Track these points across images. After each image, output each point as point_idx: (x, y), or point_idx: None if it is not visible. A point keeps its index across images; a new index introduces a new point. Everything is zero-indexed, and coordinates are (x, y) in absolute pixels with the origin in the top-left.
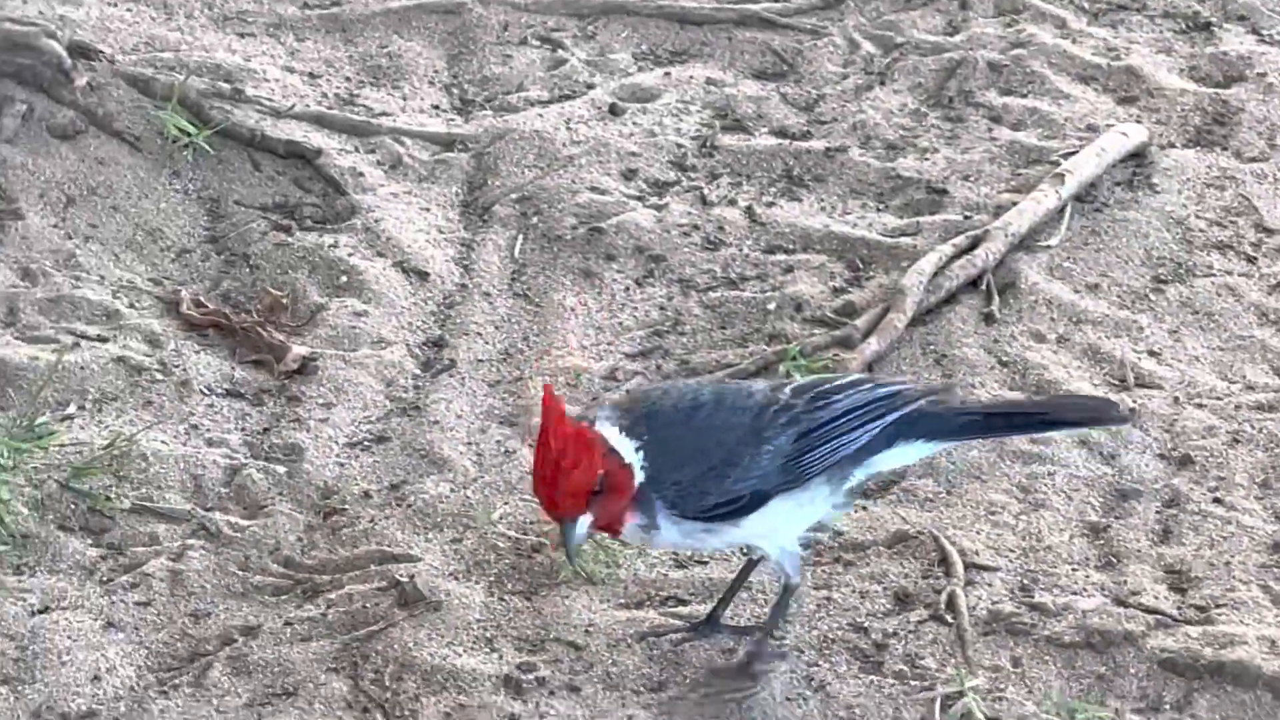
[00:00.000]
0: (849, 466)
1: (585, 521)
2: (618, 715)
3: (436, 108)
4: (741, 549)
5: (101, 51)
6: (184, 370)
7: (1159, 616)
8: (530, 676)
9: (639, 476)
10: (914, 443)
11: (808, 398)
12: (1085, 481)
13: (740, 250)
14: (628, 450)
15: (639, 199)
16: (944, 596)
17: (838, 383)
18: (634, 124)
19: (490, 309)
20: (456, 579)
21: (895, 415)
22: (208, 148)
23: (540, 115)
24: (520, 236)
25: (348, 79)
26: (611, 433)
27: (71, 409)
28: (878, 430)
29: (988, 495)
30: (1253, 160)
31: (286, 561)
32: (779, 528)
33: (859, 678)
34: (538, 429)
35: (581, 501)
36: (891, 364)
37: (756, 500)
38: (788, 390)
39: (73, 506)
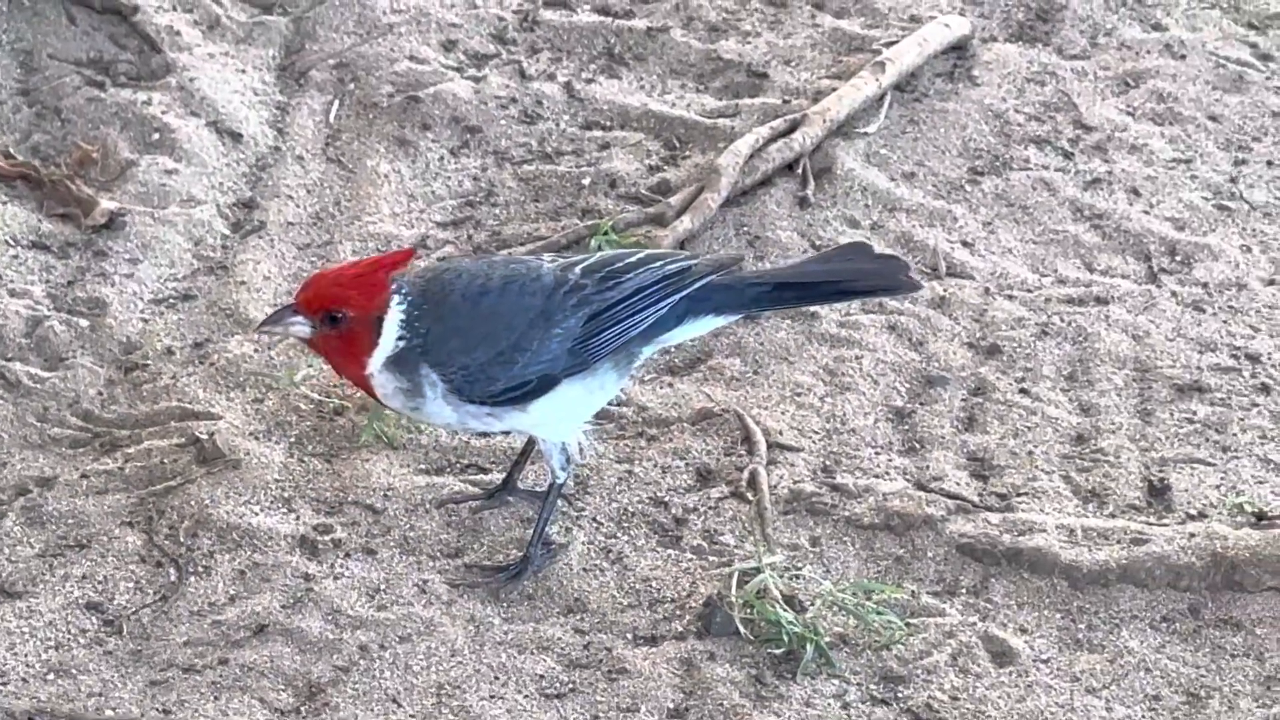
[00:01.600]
0: (638, 345)
1: (301, 325)
2: (413, 579)
3: None
4: None
5: None
6: None
7: (959, 502)
8: (326, 538)
9: (389, 346)
10: (704, 317)
11: (597, 278)
12: (892, 366)
13: (557, 125)
14: (392, 324)
15: (458, 70)
16: (746, 474)
17: (627, 261)
18: None
19: (303, 173)
20: (256, 439)
21: (685, 292)
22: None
23: None
24: (336, 102)
25: None
26: (394, 301)
27: None
28: (666, 309)
29: (794, 376)
30: (1074, 58)
31: (85, 415)
32: (567, 412)
33: (657, 551)
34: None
35: (314, 308)
36: (704, 243)
37: (545, 384)
38: (577, 270)
39: None
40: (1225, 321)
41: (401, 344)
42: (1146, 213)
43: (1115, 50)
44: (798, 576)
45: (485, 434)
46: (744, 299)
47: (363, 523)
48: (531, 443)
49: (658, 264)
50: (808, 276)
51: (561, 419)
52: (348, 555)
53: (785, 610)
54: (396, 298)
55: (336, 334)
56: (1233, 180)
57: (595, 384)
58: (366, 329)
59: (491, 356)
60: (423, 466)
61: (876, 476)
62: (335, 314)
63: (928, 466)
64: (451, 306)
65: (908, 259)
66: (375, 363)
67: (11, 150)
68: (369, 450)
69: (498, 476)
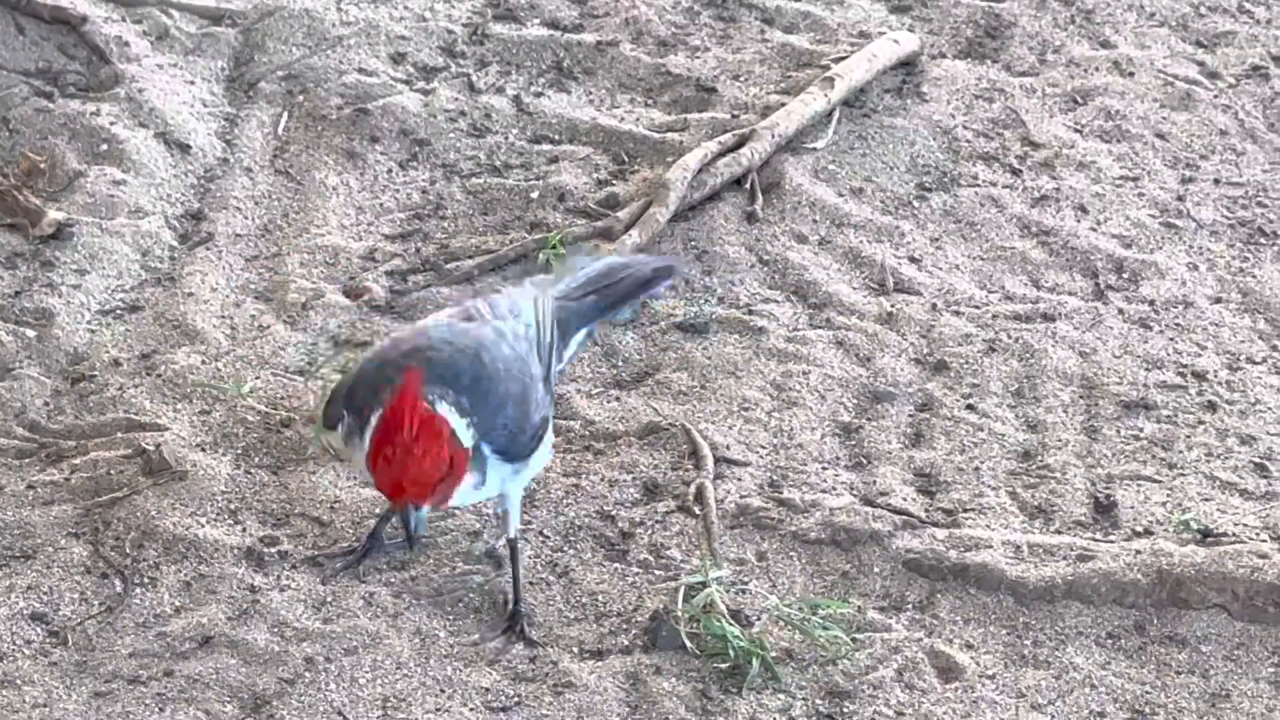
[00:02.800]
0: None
1: (427, 507)
2: (359, 592)
3: None
4: None
5: None
6: None
7: (906, 517)
8: (273, 550)
9: (470, 443)
10: (576, 335)
11: (535, 318)
12: (839, 382)
13: (506, 138)
14: (464, 431)
15: (406, 83)
16: (693, 489)
17: (544, 293)
18: (405, 7)
19: (251, 184)
20: (204, 450)
21: (589, 327)
22: None
23: None
24: (285, 114)
25: None
26: (451, 414)
27: None
28: (584, 334)
29: (741, 391)
30: (1023, 74)
31: (31, 425)
32: (540, 460)
33: (604, 565)
34: (388, 408)
35: (428, 489)
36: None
37: (543, 428)
38: (504, 310)
39: None
40: (1172, 339)
41: (472, 434)
42: (1094, 230)
43: (1064, 67)
44: (744, 591)
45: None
46: (586, 309)
47: (309, 535)
48: None
49: (544, 300)
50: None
51: (537, 466)
52: (294, 567)
53: (731, 625)
54: (443, 406)
55: (447, 483)
56: (1180, 198)
57: (550, 423)
58: (461, 466)
59: (519, 411)
60: (369, 480)
61: (823, 491)
62: (441, 475)
63: (874, 482)
64: (473, 376)
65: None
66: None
67: None
68: (316, 462)
69: None
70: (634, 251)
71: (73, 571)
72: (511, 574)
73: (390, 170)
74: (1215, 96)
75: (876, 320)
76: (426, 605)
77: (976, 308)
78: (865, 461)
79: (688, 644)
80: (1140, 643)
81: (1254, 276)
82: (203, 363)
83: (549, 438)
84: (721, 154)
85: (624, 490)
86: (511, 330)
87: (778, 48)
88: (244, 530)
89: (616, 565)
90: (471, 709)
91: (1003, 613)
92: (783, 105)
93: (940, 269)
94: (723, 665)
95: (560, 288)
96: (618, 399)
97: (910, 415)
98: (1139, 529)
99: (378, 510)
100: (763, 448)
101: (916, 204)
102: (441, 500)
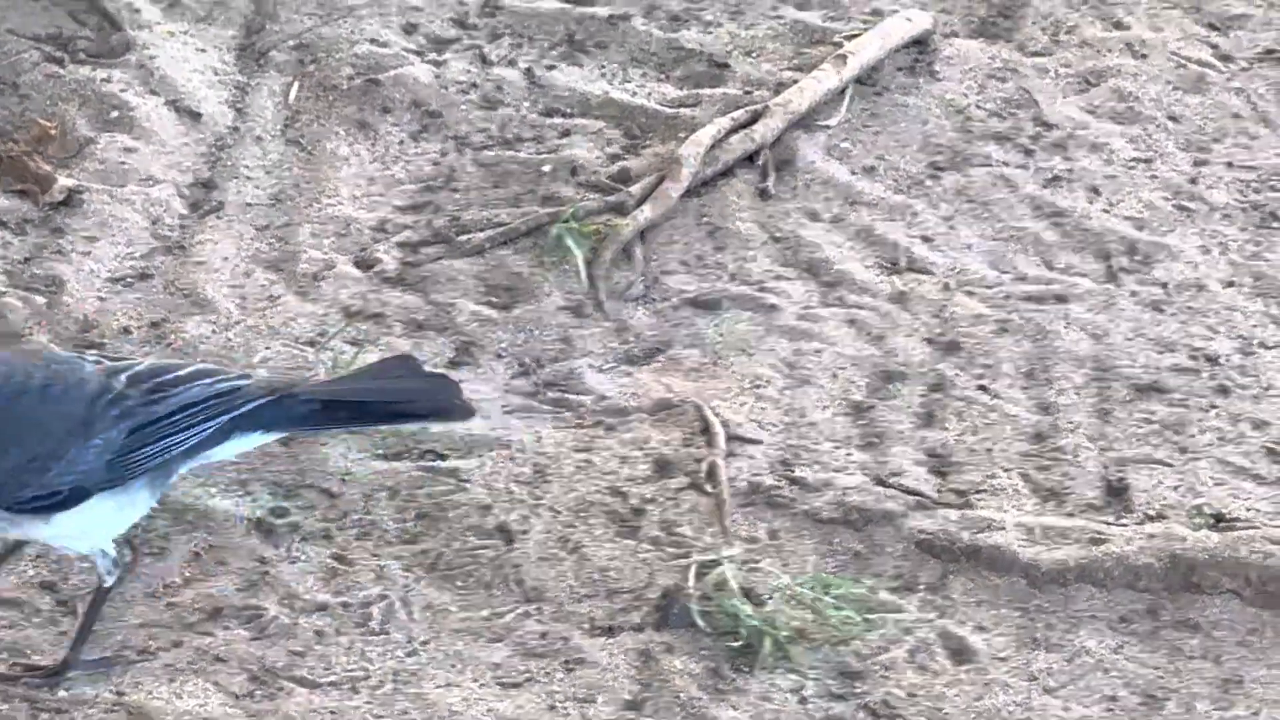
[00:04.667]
0: (178, 463)
1: None
2: (369, 564)
3: None
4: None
5: None
6: None
7: (918, 498)
8: (282, 521)
9: None
10: (251, 434)
11: (144, 389)
12: (851, 361)
13: (518, 111)
14: None
15: (418, 54)
16: (704, 466)
17: (176, 374)
18: None
19: (262, 154)
20: None
21: (233, 414)
22: None
23: None
24: (296, 83)
25: None
26: None
27: None
28: (213, 429)
29: (753, 369)
30: (1035, 54)
31: None
32: (93, 529)
33: (615, 541)
34: None
35: None
36: (664, 233)
37: (76, 496)
38: (123, 378)
39: None
40: (1184, 322)
41: None
42: (1106, 211)
43: (1077, 48)
44: (756, 570)
45: None
46: (293, 416)
47: (319, 506)
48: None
49: (208, 380)
50: (359, 395)
51: (84, 534)
52: (304, 539)
53: (743, 603)
54: None
55: None
56: (1193, 181)
57: (127, 500)
58: None
59: (23, 462)
60: (380, 451)
61: (835, 471)
62: None
63: (887, 462)
64: None
65: (457, 383)
66: None
67: None
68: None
69: (457, 463)
70: (644, 226)
71: None
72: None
73: (401, 141)
74: (1228, 80)
75: (889, 299)
76: (437, 579)
77: (988, 288)
78: (877, 441)
79: (699, 622)
80: (1153, 627)
81: (1267, 260)
82: (213, 332)
83: (101, 508)
84: (734, 130)
85: (635, 466)
86: (76, 381)
87: (790, 24)
88: (254, 501)
89: (628, 542)
90: (482, 684)
91: (1015, 595)
92: (795, 82)
93: (953, 248)
94: (735, 644)
95: (311, 387)
96: (629, 374)
97: (922, 395)
98: (1151, 513)
99: (383, 488)
100: (774, 425)
101: (929, 183)
102: None
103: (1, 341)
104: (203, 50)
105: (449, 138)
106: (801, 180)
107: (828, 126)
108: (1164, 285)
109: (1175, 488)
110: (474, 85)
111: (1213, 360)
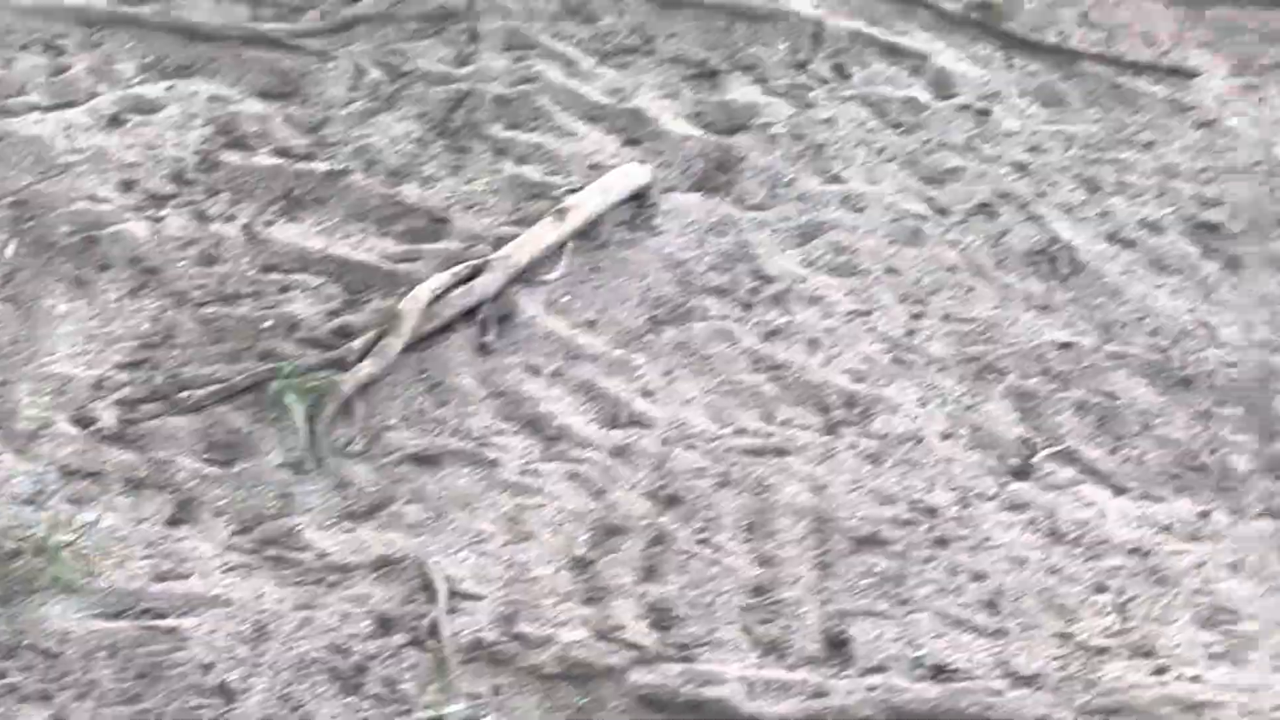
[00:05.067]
0: None
1: None
2: None
3: None
4: None
5: None
6: None
7: (640, 652)
8: (1, 683)
9: None
10: None
11: None
12: (573, 515)
13: (237, 267)
14: None
15: (136, 210)
16: (426, 622)
17: None
18: (135, 135)
19: None
20: None
21: None
22: None
23: (40, 121)
24: (12, 241)
25: None
26: None
27: None
28: None
29: (475, 524)
30: (754, 208)
31: None
32: None
33: (337, 699)
34: None
35: None
36: (385, 388)
37: None
38: None
39: None
40: (903, 474)
41: None
42: (825, 364)
43: (794, 201)
44: None
45: None
46: None
47: (38, 667)
48: None
49: None
50: None
51: None
52: (24, 700)
53: None
54: None
55: None
56: (910, 333)
57: None
58: None
59: None
60: (100, 611)
61: (558, 625)
62: None
63: (609, 616)
64: None
65: None
66: None
67: None
68: (46, 594)
69: (177, 621)
70: (365, 382)
71: None
72: None
73: (120, 298)
74: (944, 232)
75: (610, 453)
76: None
77: (709, 441)
78: (599, 595)
79: None
80: None
81: (983, 412)
82: None
83: None
84: (454, 285)
85: (357, 623)
86: None
87: (510, 179)
88: None
89: (350, 699)
90: None
91: None
92: (516, 237)
93: (673, 402)
94: None
95: None
96: (350, 530)
97: (643, 549)
98: (872, 665)
99: (103, 648)
100: (497, 580)
101: (649, 336)
102: None
103: None
104: None
105: (167, 294)
106: (522, 334)
107: (548, 281)
108: (883, 437)
109: (896, 639)
110: (192, 241)
111: (931, 512)
